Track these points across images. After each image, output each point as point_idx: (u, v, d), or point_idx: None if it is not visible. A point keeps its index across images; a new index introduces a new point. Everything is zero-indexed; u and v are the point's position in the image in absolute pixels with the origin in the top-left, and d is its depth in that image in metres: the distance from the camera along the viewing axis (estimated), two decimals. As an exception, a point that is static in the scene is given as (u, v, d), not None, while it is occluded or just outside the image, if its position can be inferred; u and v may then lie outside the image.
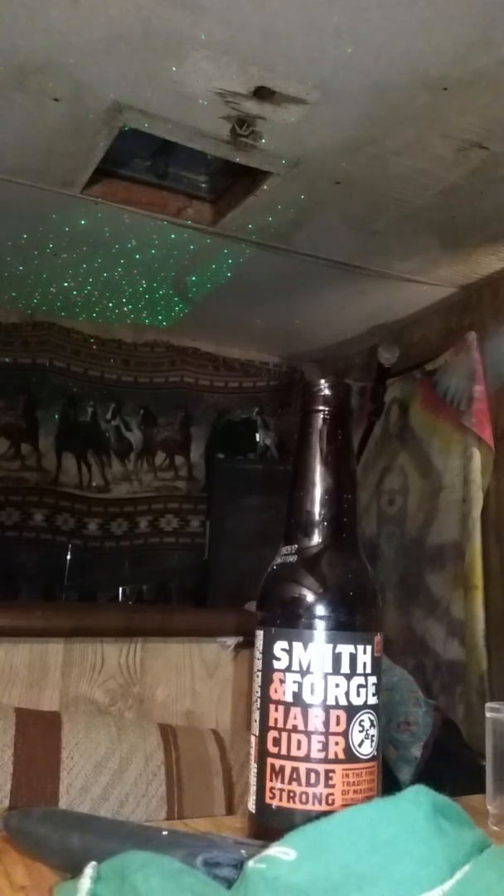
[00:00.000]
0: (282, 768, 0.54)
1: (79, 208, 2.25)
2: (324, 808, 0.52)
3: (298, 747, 0.54)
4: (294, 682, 0.54)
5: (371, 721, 0.55)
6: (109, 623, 1.37)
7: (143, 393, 3.48)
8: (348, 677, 0.54)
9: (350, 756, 0.53)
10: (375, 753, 0.55)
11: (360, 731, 0.54)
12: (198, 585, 3.27)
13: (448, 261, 2.49)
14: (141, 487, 3.44)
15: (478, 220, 2.20)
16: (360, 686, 0.55)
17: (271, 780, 0.54)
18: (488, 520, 2.47)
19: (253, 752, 0.57)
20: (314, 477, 0.59)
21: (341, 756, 0.53)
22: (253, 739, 0.57)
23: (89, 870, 0.44)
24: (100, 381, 3.41)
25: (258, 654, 0.57)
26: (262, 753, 0.55)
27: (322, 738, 0.53)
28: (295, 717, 0.54)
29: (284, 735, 0.54)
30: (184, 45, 1.53)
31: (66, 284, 2.90)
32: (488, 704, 0.72)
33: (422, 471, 2.83)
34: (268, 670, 0.56)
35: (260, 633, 0.58)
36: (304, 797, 0.53)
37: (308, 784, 0.53)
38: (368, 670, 0.55)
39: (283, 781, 0.54)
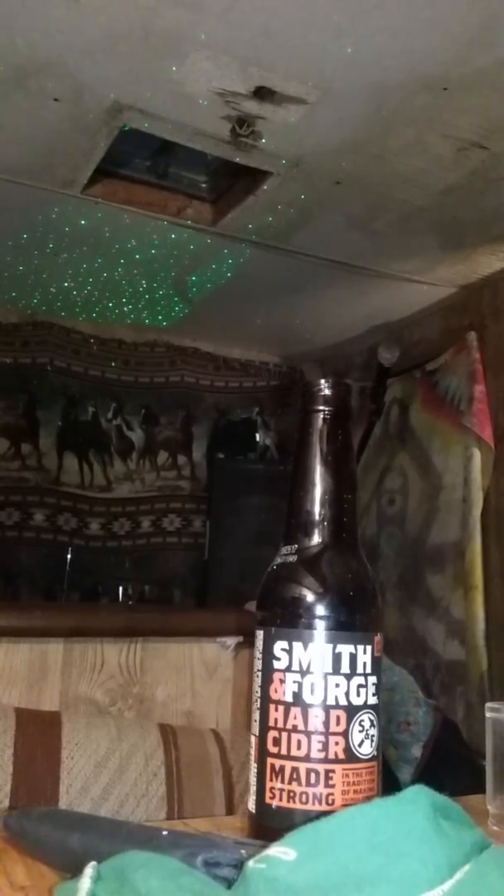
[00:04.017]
0: (282, 768, 0.54)
1: (79, 208, 2.25)
2: (324, 808, 0.52)
3: (298, 747, 0.53)
4: (294, 682, 0.54)
5: (371, 721, 0.55)
6: (109, 623, 1.37)
7: (144, 393, 3.48)
8: (348, 677, 0.54)
9: (350, 756, 0.53)
10: (375, 753, 0.55)
11: (360, 731, 0.54)
12: (199, 585, 3.28)
13: (448, 261, 2.49)
14: (143, 487, 3.44)
15: (478, 220, 2.20)
16: (360, 686, 0.54)
17: (271, 780, 0.54)
18: (488, 520, 2.47)
19: (253, 752, 0.57)
20: (314, 477, 0.59)
21: (341, 756, 0.53)
22: (253, 739, 0.57)
23: (89, 870, 0.44)
24: (100, 381, 3.41)
25: (258, 654, 0.57)
26: (262, 753, 0.55)
27: (322, 738, 0.53)
28: (295, 717, 0.54)
29: (284, 735, 0.54)
30: (184, 45, 1.53)
31: (66, 284, 2.90)
32: (488, 704, 0.72)
33: (422, 471, 2.83)
34: (268, 670, 0.56)
35: (260, 633, 0.58)
36: (304, 797, 0.53)
37: (308, 784, 0.53)
38: (368, 670, 0.55)
39: (283, 781, 0.54)
